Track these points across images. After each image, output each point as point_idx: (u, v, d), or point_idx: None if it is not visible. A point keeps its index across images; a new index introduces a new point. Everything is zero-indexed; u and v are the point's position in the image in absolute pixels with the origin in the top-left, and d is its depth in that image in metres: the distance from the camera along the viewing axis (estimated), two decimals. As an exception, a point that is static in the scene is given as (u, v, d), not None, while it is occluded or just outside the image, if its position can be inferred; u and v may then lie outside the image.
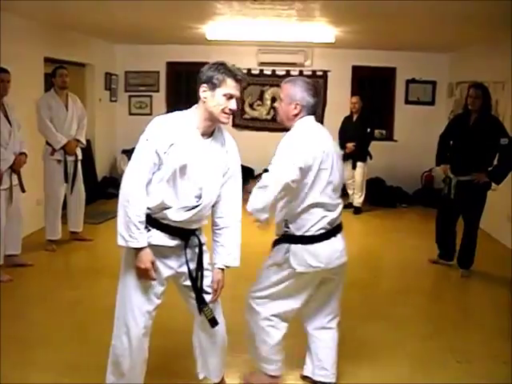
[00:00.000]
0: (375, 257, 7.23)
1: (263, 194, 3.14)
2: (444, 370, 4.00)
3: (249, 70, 10.47)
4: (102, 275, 5.68)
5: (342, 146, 9.08)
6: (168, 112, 3.09)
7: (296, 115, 3.33)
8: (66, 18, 7.02)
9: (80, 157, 6.83)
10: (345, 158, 9.19)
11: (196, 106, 2.99)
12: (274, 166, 3.17)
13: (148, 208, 2.91)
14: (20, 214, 5.87)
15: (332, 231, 3.35)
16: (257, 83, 10.66)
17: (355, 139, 9.04)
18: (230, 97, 2.89)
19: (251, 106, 10.73)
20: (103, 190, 9.37)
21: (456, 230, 6.23)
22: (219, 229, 3.11)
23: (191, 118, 2.95)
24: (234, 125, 10.66)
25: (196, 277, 3.05)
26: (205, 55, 10.22)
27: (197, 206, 2.94)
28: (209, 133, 2.98)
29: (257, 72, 10.61)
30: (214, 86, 2.88)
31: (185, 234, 3.02)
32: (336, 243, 3.37)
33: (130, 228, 2.86)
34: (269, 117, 10.65)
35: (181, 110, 3.04)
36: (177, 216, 2.93)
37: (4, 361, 3.88)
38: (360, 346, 4.32)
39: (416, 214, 9.51)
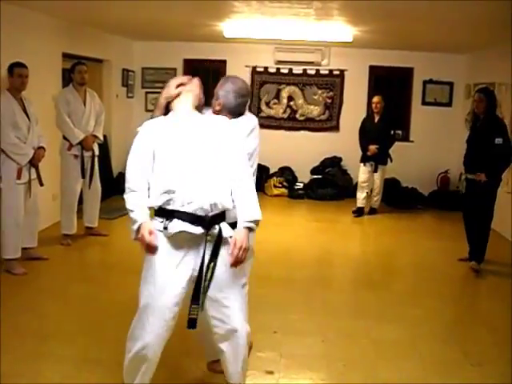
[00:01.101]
0: (389, 258, 7.20)
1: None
2: (457, 372, 3.97)
3: (265, 68, 10.51)
4: (117, 270, 5.72)
5: (364, 148, 8.87)
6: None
7: (217, 112, 3.44)
8: (84, 14, 7.05)
9: (97, 152, 6.87)
10: (366, 160, 8.95)
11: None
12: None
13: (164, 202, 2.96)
14: (37, 207, 5.92)
15: None
16: (273, 82, 10.66)
17: (377, 141, 8.73)
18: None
19: (267, 104, 10.72)
20: (119, 186, 9.39)
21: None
22: (236, 194, 3.05)
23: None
24: (250, 123, 10.67)
25: (207, 269, 2.98)
26: (222, 53, 10.30)
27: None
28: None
29: (273, 70, 10.61)
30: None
31: (205, 222, 2.96)
32: None
33: (131, 218, 2.99)
34: (285, 115, 10.64)
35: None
36: (185, 193, 2.94)
37: (17, 353, 3.93)
38: (374, 347, 4.32)
39: (431, 215, 9.47)
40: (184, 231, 2.93)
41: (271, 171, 10.60)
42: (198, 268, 2.99)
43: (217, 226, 3.01)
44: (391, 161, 9.02)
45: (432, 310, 5.20)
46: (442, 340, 4.52)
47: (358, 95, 10.52)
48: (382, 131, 8.84)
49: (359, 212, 9.06)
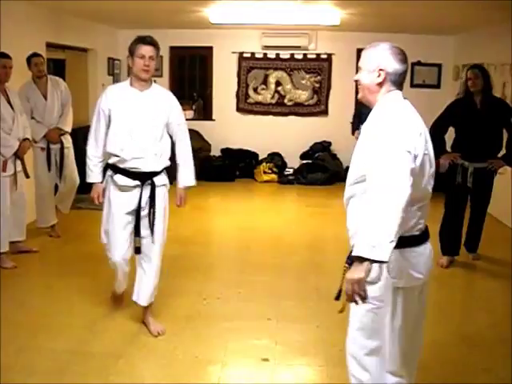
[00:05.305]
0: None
1: (386, 204, 2.29)
2: (454, 354, 3.98)
3: (252, 53, 10.43)
4: (107, 262, 5.65)
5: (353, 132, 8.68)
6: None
7: (380, 84, 2.62)
8: (67, 3, 6.94)
9: (68, 144, 6.65)
10: None
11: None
12: (380, 158, 2.36)
13: (113, 155, 3.98)
14: (24, 200, 5.84)
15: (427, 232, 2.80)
16: (261, 67, 10.59)
17: None
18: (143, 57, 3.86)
19: (255, 90, 10.65)
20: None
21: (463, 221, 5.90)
22: (179, 162, 4.14)
23: (127, 81, 4.04)
24: (238, 109, 10.62)
25: (149, 212, 3.99)
26: (208, 39, 10.22)
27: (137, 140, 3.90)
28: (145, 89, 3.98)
29: (260, 56, 10.54)
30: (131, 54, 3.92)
31: (141, 176, 3.95)
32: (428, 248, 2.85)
33: (88, 167, 4.15)
34: (273, 101, 10.58)
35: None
36: (130, 153, 3.89)
37: (9, 346, 3.89)
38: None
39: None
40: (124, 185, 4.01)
41: (260, 157, 10.56)
42: (136, 207, 3.99)
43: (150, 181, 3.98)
44: None
45: (428, 292, 5.18)
46: (438, 322, 4.51)
47: (346, 79, 10.43)
48: None
49: None
